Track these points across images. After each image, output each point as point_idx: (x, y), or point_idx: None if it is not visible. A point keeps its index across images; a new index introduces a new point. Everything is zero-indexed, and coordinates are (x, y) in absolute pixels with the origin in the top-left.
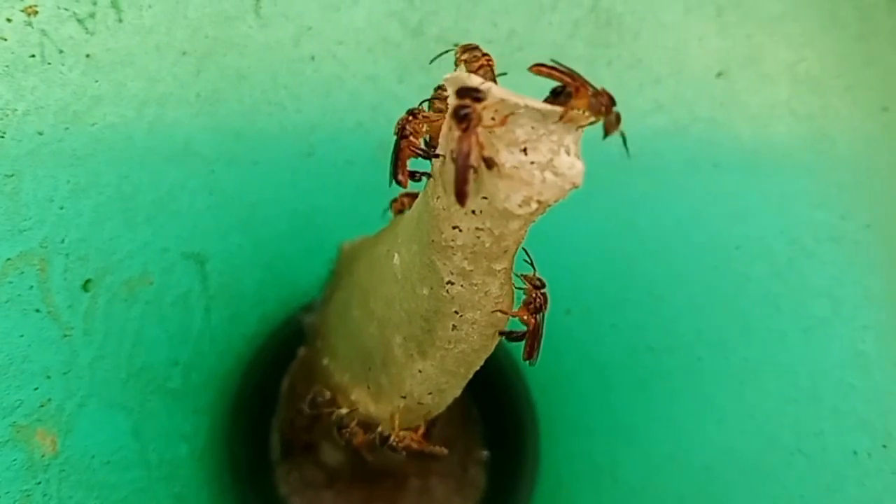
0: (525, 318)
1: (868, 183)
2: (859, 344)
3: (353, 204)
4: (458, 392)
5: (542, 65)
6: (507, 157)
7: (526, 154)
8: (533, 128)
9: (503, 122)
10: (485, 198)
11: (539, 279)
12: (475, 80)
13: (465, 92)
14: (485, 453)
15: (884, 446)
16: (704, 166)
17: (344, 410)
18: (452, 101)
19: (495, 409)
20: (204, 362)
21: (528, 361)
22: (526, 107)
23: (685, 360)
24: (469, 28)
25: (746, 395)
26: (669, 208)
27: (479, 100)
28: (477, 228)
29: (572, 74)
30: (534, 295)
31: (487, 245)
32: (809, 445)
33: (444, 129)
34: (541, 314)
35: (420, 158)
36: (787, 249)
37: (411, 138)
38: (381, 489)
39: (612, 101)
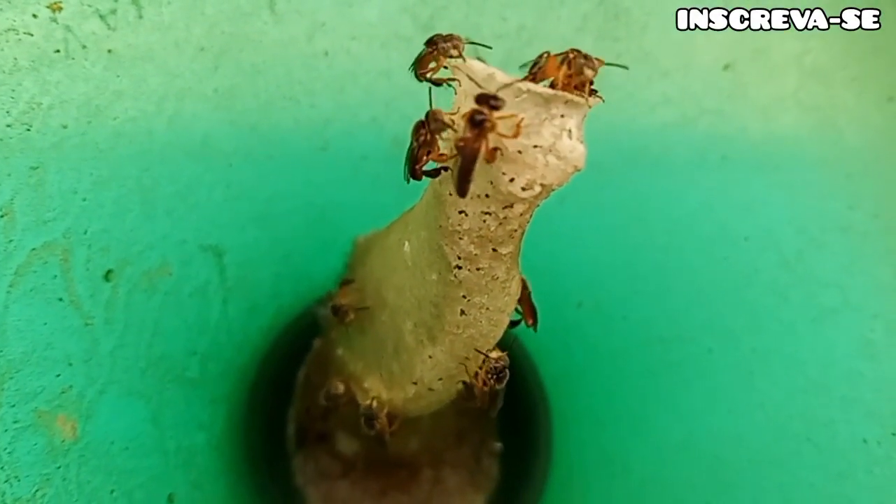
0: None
1: (875, 173)
2: (868, 333)
3: (368, 198)
4: (466, 377)
5: None
6: (511, 141)
7: (529, 138)
8: (536, 112)
9: (516, 135)
10: (490, 182)
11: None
12: (494, 78)
13: (483, 99)
14: (498, 445)
15: (893, 434)
16: (713, 158)
17: (374, 403)
18: (468, 102)
19: (509, 401)
20: (221, 353)
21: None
22: (529, 91)
23: (695, 350)
24: (479, 22)
25: (756, 384)
26: (678, 200)
27: (496, 108)
28: (483, 212)
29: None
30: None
31: (493, 229)
32: (819, 434)
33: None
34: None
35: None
36: (796, 240)
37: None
38: (396, 479)
39: (579, 54)
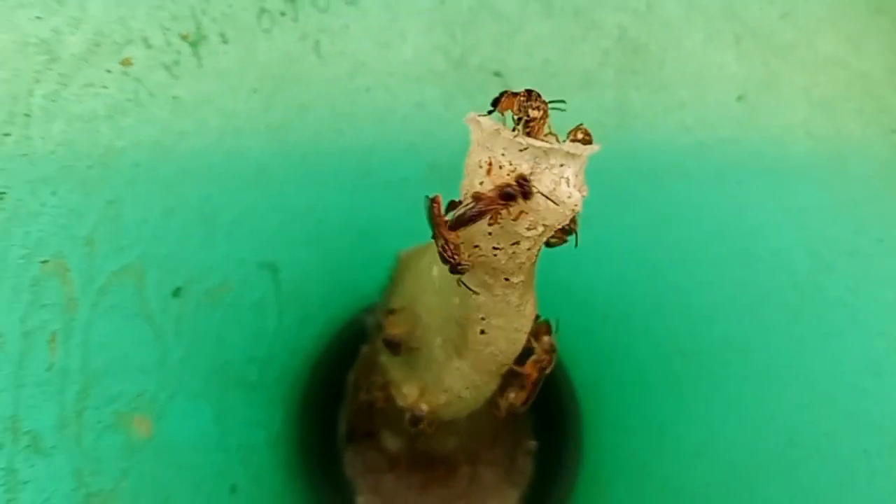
0: (529, 371)
1: (879, 200)
2: (872, 351)
3: (407, 217)
4: (494, 387)
5: None
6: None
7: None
8: (536, 162)
9: (516, 218)
10: (498, 223)
11: (551, 344)
12: (500, 134)
13: (523, 186)
14: (533, 443)
15: (892, 446)
16: (728, 183)
17: (425, 408)
18: (502, 178)
19: (543, 404)
20: (278, 359)
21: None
22: (529, 145)
23: (712, 363)
24: (506, 58)
25: (768, 396)
26: (697, 222)
27: (526, 196)
28: (493, 248)
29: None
30: (543, 357)
31: (503, 262)
32: (824, 445)
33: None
34: (543, 372)
35: None
36: (807, 262)
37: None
38: (436, 474)
39: (529, 96)
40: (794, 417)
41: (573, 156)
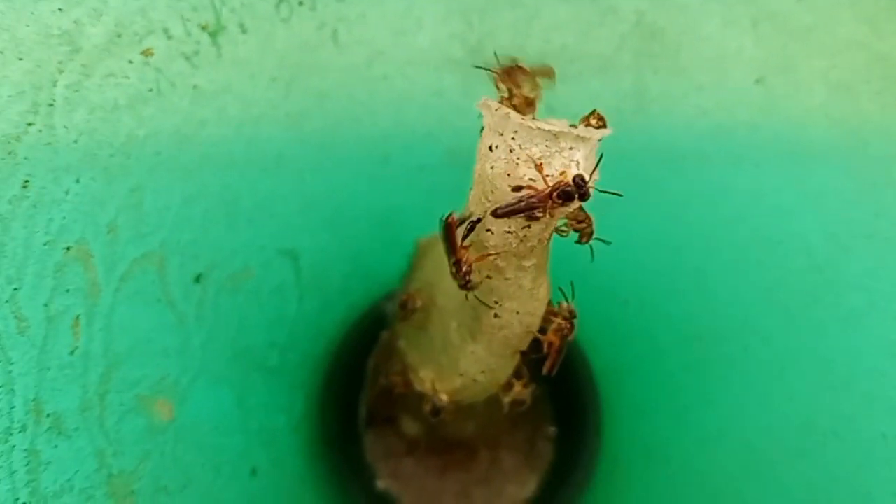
0: (552, 340)
1: None
2: (891, 334)
3: (426, 203)
4: (509, 371)
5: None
6: (526, 171)
7: (541, 169)
8: (547, 146)
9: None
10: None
11: (570, 310)
12: (509, 118)
13: (580, 186)
14: (553, 429)
15: None
16: (747, 166)
17: (445, 398)
18: (566, 174)
19: (562, 390)
20: (299, 344)
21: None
22: (539, 129)
23: (732, 348)
24: (524, 44)
25: (787, 380)
26: (716, 206)
27: (583, 197)
28: (505, 232)
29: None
30: (564, 324)
31: (515, 245)
32: (843, 428)
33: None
34: (565, 339)
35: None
36: (825, 245)
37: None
38: (455, 459)
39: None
40: (813, 401)
41: (583, 139)
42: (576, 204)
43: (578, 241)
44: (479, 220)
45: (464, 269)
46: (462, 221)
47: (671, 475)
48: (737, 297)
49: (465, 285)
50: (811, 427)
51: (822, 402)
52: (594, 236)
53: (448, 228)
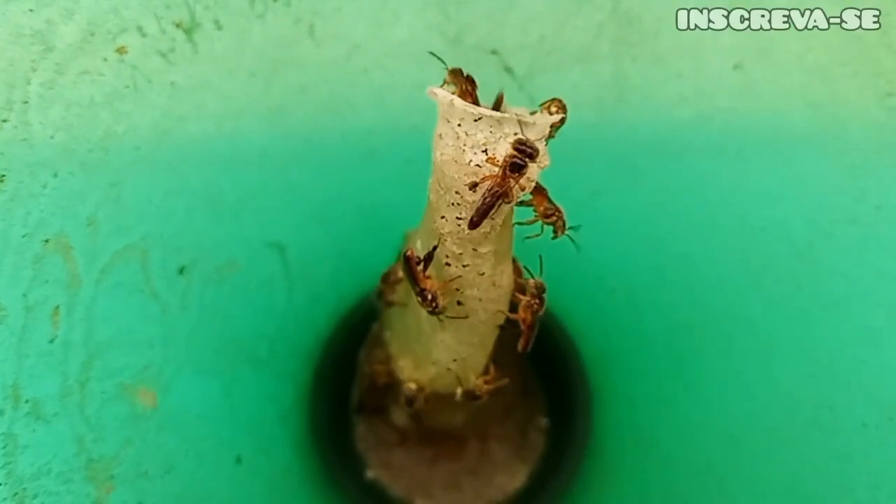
0: (523, 317)
1: (877, 165)
2: (872, 321)
3: (413, 196)
4: (482, 360)
5: None
6: (472, 157)
7: (487, 154)
8: (491, 131)
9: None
10: (457, 192)
11: (539, 285)
12: (454, 105)
13: (522, 149)
14: (545, 420)
15: (889, 419)
16: (729, 153)
17: (414, 387)
18: (507, 149)
19: (552, 379)
20: (288, 336)
21: (520, 351)
22: (481, 116)
23: (716, 336)
24: (502, 35)
25: (770, 369)
26: (699, 194)
27: (532, 157)
28: (457, 218)
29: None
30: (533, 301)
31: (468, 231)
32: (824, 417)
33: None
34: (536, 315)
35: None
36: (807, 231)
37: None
38: (446, 449)
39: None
40: (795, 390)
41: (527, 124)
42: (533, 171)
43: (554, 236)
44: (435, 249)
45: (429, 297)
46: (420, 260)
47: (656, 463)
48: (721, 284)
49: (434, 311)
50: (793, 416)
51: (803, 391)
52: (567, 227)
53: (408, 262)
